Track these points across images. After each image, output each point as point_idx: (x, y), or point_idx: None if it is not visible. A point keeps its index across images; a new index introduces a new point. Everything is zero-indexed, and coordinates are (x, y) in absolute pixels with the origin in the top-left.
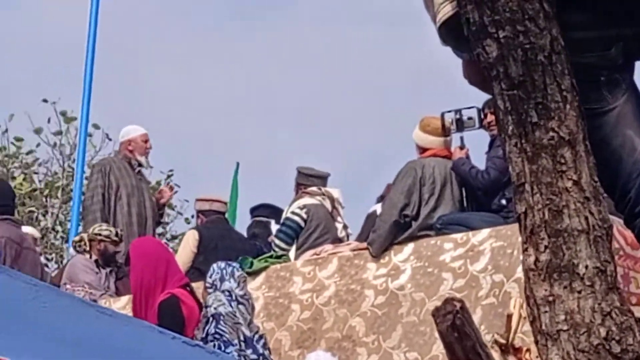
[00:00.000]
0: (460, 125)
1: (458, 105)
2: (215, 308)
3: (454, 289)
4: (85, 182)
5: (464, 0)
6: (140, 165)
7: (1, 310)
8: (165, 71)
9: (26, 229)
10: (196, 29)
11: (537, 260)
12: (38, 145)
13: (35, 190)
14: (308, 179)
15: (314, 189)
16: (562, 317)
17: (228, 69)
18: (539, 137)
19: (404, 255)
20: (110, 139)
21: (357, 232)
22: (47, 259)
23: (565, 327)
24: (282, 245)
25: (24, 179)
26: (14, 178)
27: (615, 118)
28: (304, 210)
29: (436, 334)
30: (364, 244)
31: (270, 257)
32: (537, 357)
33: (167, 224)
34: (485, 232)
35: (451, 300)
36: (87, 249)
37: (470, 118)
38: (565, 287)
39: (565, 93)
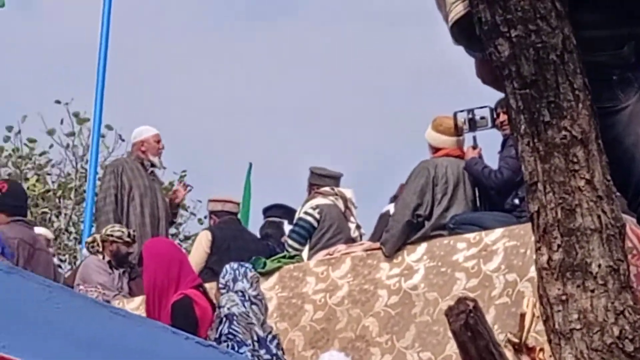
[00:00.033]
0: (473, 124)
1: (470, 105)
2: (228, 308)
3: (467, 288)
4: (98, 183)
5: None
6: (153, 165)
7: (15, 311)
8: (177, 72)
9: (39, 230)
10: (208, 30)
11: (550, 259)
12: (51, 146)
13: (48, 191)
14: (321, 179)
15: (327, 189)
16: (575, 316)
17: (240, 69)
18: (552, 136)
19: (417, 255)
20: (123, 140)
21: (370, 232)
22: (61, 260)
23: (578, 326)
24: (295, 245)
25: (37, 180)
26: (27, 179)
27: (627, 117)
28: (317, 210)
29: (449, 334)
30: (377, 244)
31: (284, 257)
32: (550, 356)
33: (180, 224)
34: (498, 231)
35: (464, 300)
36: (100, 249)
37: (482, 117)
38: (578, 286)
39: (578, 92)
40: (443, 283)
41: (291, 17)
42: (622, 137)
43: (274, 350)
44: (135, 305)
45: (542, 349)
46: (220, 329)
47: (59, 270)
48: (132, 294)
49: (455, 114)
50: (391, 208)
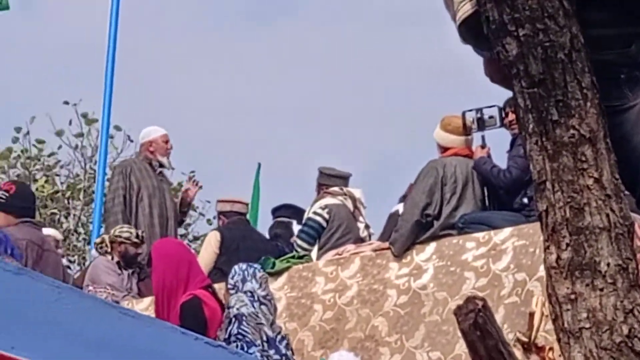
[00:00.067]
0: (482, 124)
1: (478, 104)
2: (237, 309)
3: (477, 288)
4: (106, 183)
5: None
6: (161, 166)
7: (24, 312)
8: (184, 72)
9: (48, 231)
10: (211, 30)
11: (558, 258)
12: (60, 147)
13: (57, 192)
14: (330, 179)
15: (336, 189)
16: (584, 315)
17: (244, 69)
18: (560, 135)
19: (426, 254)
20: (131, 141)
21: (379, 232)
22: (70, 261)
23: (587, 325)
24: (304, 245)
25: (46, 181)
26: (36, 180)
27: (636, 115)
28: (326, 210)
29: (459, 333)
30: (386, 244)
31: (293, 257)
32: (560, 355)
33: (189, 225)
34: (507, 230)
35: (473, 299)
36: (109, 250)
37: (491, 117)
38: (587, 285)
39: (586, 91)
40: (452, 282)
41: (291, 17)
42: (630, 136)
43: (283, 351)
44: (145, 305)
45: (551, 348)
46: (229, 329)
47: (68, 271)
48: (141, 294)
49: (463, 114)
50: (400, 208)
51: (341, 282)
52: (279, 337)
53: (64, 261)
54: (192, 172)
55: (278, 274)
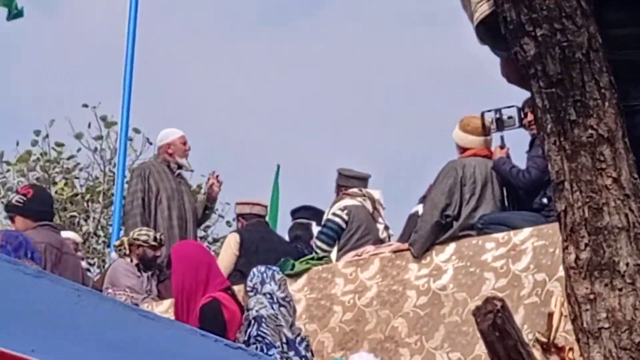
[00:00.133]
0: (500, 124)
1: (497, 105)
2: (257, 310)
3: (496, 288)
4: (126, 186)
5: None
6: (180, 167)
7: (44, 315)
8: (205, 74)
9: (68, 233)
10: (234, 32)
11: (577, 258)
12: (79, 150)
13: (76, 195)
14: (349, 181)
15: (355, 190)
16: (604, 315)
17: (265, 71)
18: (578, 135)
19: (445, 255)
20: (150, 143)
21: (398, 233)
22: (90, 264)
23: (606, 325)
24: (324, 246)
25: (66, 184)
26: (55, 183)
27: None
28: (345, 211)
29: (479, 334)
30: (405, 245)
31: (312, 258)
32: (580, 355)
33: (209, 227)
34: (526, 231)
35: (492, 300)
36: (127, 252)
37: (510, 117)
38: (606, 285)
39: (604, 90)
40: (472, 283)
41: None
42: None
43: (303, 352)
44: (164, 308)
45: (571, 349)
46: (248, 331)
47: (88, 274)
48: (160, 296)
49: (482, 114)
50: (420, 208)
51: (361, 284)
52: (298, 338)
53: (84, 264)
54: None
55: (297, 275)
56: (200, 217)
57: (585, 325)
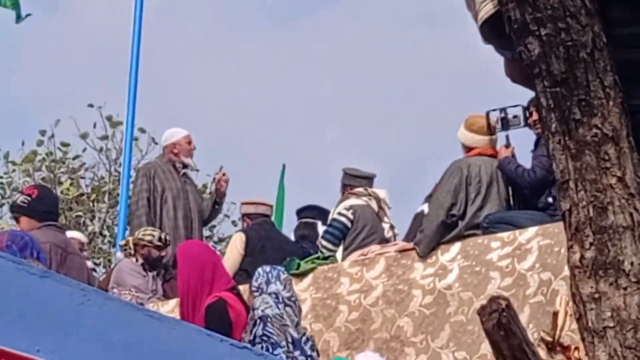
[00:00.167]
0: (506, 123)
1: (502, 104)
2: (262, 310)
3: (502, 287)
4: (131, 186)
5: None
6: (185, 167)
7: (49, 315)
8: (204, 74)
9: (73, 233)
10: (235, 32)
11: (582, 257)
12: (84, 150)
13: (82, 195)
14: (354, 180)
15: (360, 189)
16: (608, 314)
17: (266, 71)
18: (583, 134)
19: (451, 254)
20: (156, 143)
21: (404, 233)
22: (95, 264)
23: (611, 324)
24: (329, 246)
25: (71, 184)
26: (61, 183)
27: None
28: (351, 211)
29: (484, 333)
30: (411, 244)
31: (317, 258)
32: (586, 355)
33: (214, 226)
34: (532, 230)
35: (497, 299)
36: (133, 252)
37: (515, 116)
38: (610, 284)
39: (608, 90)
40: (477, 282)
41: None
42: None
43: (309, 352)
44: (170, 307)
45: (577, 348)
46: (254, 331)
47: (94, 274)
48: (166, 296)
49: (487, 113)
50: (425, 208)
51: (366, 283)
52: (304, 338)
53: (89, 264)
54: (221, 167)
55: (303, 275)
56: (209, 213)
57: (590, 324)
